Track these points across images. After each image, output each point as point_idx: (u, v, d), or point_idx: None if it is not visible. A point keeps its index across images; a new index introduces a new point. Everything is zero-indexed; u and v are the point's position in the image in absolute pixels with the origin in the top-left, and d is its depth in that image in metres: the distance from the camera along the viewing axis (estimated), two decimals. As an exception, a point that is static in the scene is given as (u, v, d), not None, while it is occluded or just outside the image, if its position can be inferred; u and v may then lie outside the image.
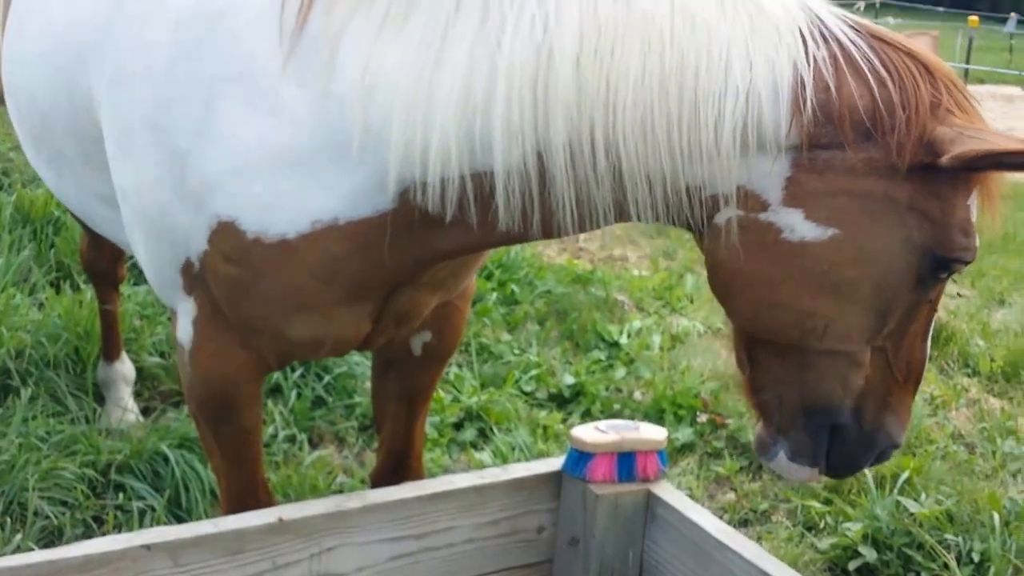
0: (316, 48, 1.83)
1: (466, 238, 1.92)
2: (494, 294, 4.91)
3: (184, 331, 2.13)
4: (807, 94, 1.68)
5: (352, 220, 1.89)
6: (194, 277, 2.05)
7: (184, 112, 1.93)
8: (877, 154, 1.70)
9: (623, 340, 4.58)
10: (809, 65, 1.69)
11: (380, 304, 2.10)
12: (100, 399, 3.67)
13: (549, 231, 1.86)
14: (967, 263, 1.81)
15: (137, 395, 3.76)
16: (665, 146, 1.71)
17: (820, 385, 1.85)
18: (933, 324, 1.94)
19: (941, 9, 36.71)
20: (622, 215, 1.83)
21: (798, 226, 1.73)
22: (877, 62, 1.71)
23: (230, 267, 1.97)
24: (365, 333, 2.16)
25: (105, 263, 3.67)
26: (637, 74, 1.69)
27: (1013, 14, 32.61)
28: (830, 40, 1.73)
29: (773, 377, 1.90)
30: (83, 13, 2.21)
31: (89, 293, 3.96)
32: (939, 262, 1.77)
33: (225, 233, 1.94)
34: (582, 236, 6.50)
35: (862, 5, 20.59)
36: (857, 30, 1.77)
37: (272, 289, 1.97)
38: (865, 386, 1.86)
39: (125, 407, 3.60)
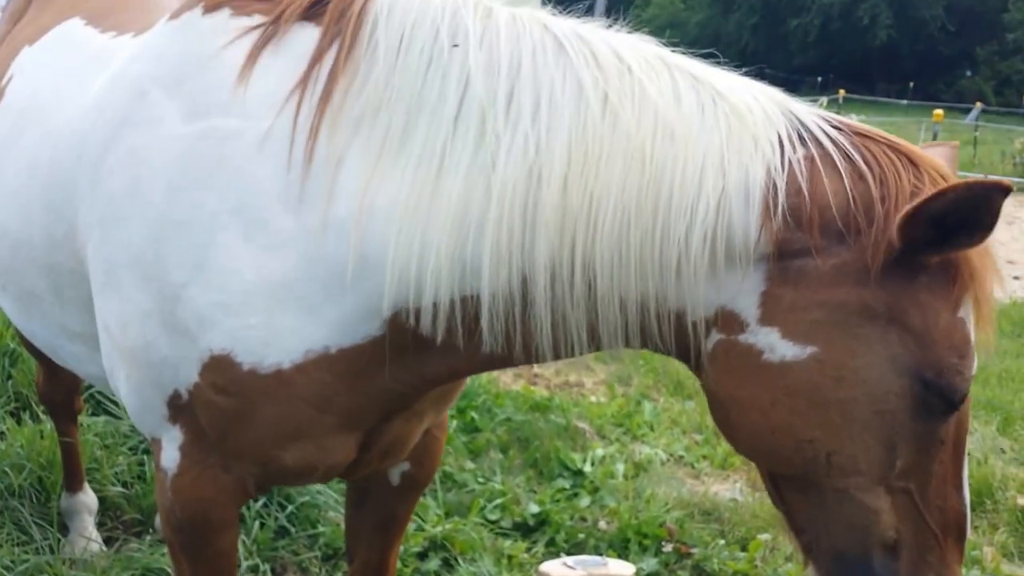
0: (318, 175, 1.88)
1: (455, 362, 1.95)
2: (455, 421, 4.93)
3: (169, 458, 2.12)
4: (779, 199, 1.66)
5: (343, 348, 1.93)
6: (180, 407, 2.05)
7: (182, 247, 1.95)
8: (850, 257, 1.64)
9: (587, 468, 4.60)
10: (783, 169, 1.67)
11: (369, 433, 2.12)
12: (64, 529, 3.61)
13: (531, 355, 1.88)
14: (962, 392, 1.67)
15: (100, 525, 3.71)
16: (637, 262, 1.71)
17: (843, 528, 1.74)
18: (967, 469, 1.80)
19: (905, 103, 37.00)
20: (596, 340, 1.83)
21: (777, 346, 1.68)
22: (858, 158, 1.68)
23: (221, 398, 1.98)
24: (351, 460, 2.16)
25: (62, 395, 3.66)
26: (618, 191, 1.72)
27: (978, 103, 32.99)
28: (809, 142, 1.71)
29: (803, 516, 1.81)
30: (70, 150, 2.24)
31: (49, 424, 3.92)
32: (932, 388, 1.65)
33: (218, 366, 1.96)
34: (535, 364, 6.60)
35: (824, 101, 21.21)
36: (840, 128, 1.74)
37: (267, 418, 1.99)
38: (896, 537, 1.73)
39: (89, 537, 3.56)
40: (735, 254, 1.70)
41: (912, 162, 1.69)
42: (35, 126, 2.44)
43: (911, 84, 43.20)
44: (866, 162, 1.68)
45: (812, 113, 1.80)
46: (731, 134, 1.72)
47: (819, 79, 44.63)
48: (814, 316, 1.66)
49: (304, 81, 1.93)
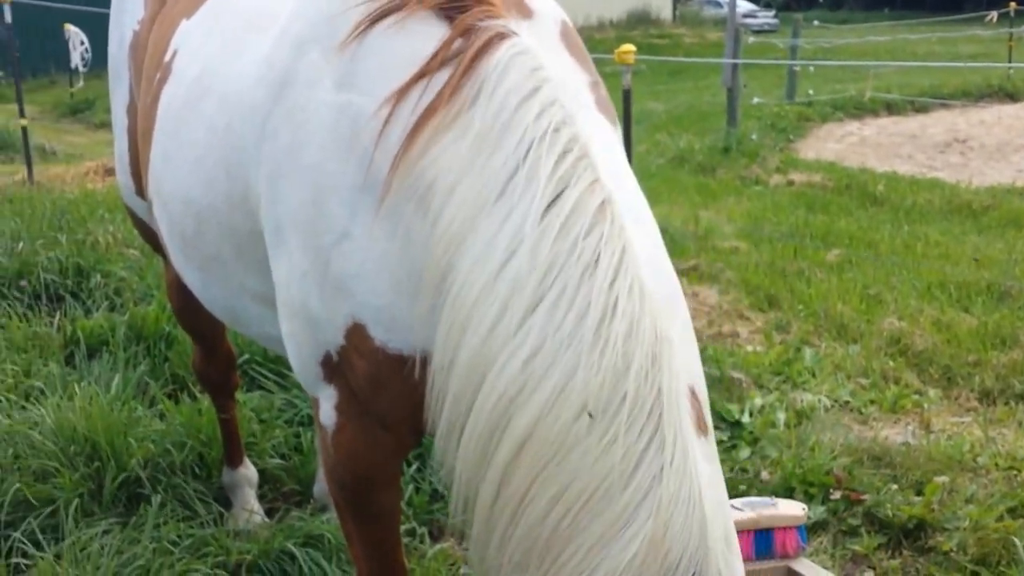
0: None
1: None
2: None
3: (326, 415, 2.17)
4: None
5: None
6: (333, 367, 2.09)
7: (331, 211, 1.97)
8: None
9: (745, 419, 4.42)
10: None
11: None
12: (227, 503, 3.71)
13: None
14: None
15: (261, 497, 3.81)
16: None
17: None
18: None
19: None
20: None
21: None
22: None
23: (363, 364, 2.01)
24: None
25: (219, 373, 3.75)
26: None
27: None
28: None
29: None
30: (241, 112, 2.29)
31: (206, 401, 4.02)
32: None
33: (358, 333, 1.98)
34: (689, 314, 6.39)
35: (994, 16, 19.70)
36: None
37: (402, 389, 1.99)
38: None
39: (251, 509, 3.66)
40: None
41: None
42: (210, 94, 2.49)
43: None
44: None
45: None
46: None
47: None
48: None
49: (409, 86, 1.88)
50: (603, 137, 1.91)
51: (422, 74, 1.88)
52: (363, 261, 1.93)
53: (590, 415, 1.60)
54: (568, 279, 1.66)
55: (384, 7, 1.97)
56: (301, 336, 2.13)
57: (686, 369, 1.74)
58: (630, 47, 6.04)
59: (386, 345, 1.95)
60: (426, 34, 1.93)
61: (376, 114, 1.90)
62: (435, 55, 1.88)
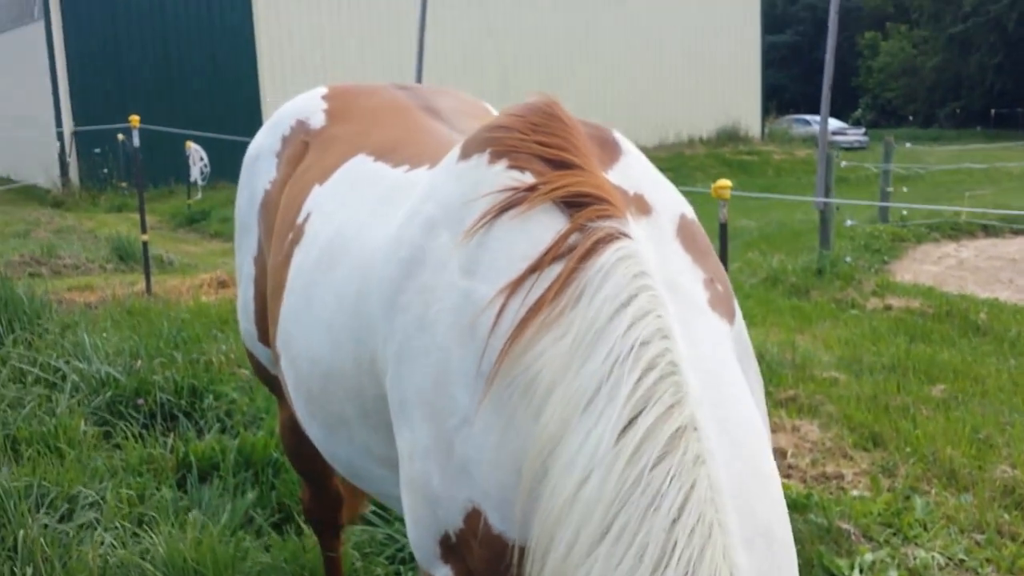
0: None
1: None
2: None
3: None
4: None
5: None
6: (450, 548, 2.08)
7: (455, 394, 1.99)
8: None
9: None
10: None
11: None
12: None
13: None
14: None
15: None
16: None
17: None
18: None
19: None
20: None
21: None
22: None
23: (482, 550, 1.98)
24: None
25: (327, 513, 3.80)
26: None
27: None
28: None
29: None
30: (371, 282, 2.36)
31: (311, 536, 4.06)
32: None
33: (477, 519, 1.97)
34: (790, 451, 6.27)
35: None
36: None
37: None
38: None
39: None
40: None
41: None
42: (343, 259, 2.58)
43: None
44: None
45: None
46: None
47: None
48: None
49: (522, 279, 1.93)
50: (710, 341, 1.89)
51: (534, 268, 1.93)
52: (482, 448, 1.94)
53: None
54: (632, 513, 1.61)
55: (510, 198, 2.03)
56: (420, 512, 2.13)
57: None
58: (726, 183, 6.06)
59: (504, 534, 1.93)
60: (545, 226, 1.97)
61: (492, 303, 1.94)
62: (548, 250, 1.93)
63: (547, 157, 2.08)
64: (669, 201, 2.16)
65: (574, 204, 1.98)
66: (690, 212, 2.21)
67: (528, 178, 2.06)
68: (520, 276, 1.93)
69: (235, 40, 27.02)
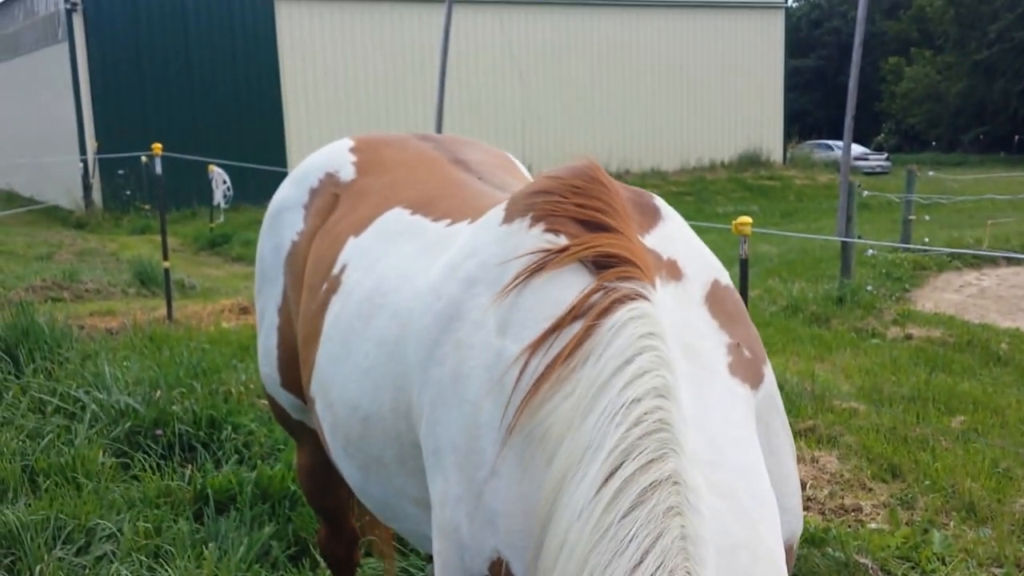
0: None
1: None
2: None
3: None
4: None
5: None
6: None
7: (485, 447, 2.04)
8: None
9: (871, 612, 4.26)
10: None
11: None
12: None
13: None
14: None
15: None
16: None
17: None
18: None
19: None
20: None
21: None
22: None
23: None
24: None
25: (343, 550, 3.84)
26: None
27: None
28: None
29: None
30: (410, 332, 2.42)
31: (327, 573, 4.08)
32: None
33: (501, 568, 2.00)
34: (809, 482, 6.23)
35: None
36: None
37: None
38: None
39: None
40: None
41: None
42: (382, 311, 2.64)
43: None
44: None
45: None
46: None
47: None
48: None
49: (545, 337, 1.97)
50: (721, 405, 1.93)
51: (556, 327, 1.97)
52: (507, 500, 1.98)
53: None
54: (601, 558, 1.65)
55: (543, 259, 2.09)
56: (449, 557, 2.16)
57: None
58: (747, 219, 6.06)
59: None
60: (571, 286, 2.02)
61: (516, 361, 2.00)
62: (570, 310, 1.97)
63: (583, 219, 2.13)
64: (703, 267, 2.20)
65: (602, 265, 2.03)
66: (725, 278, 2.24)
67: (562, 240, 2.12)
68: (543, 334, 1.98)
69: (260, 64, 27.31)
